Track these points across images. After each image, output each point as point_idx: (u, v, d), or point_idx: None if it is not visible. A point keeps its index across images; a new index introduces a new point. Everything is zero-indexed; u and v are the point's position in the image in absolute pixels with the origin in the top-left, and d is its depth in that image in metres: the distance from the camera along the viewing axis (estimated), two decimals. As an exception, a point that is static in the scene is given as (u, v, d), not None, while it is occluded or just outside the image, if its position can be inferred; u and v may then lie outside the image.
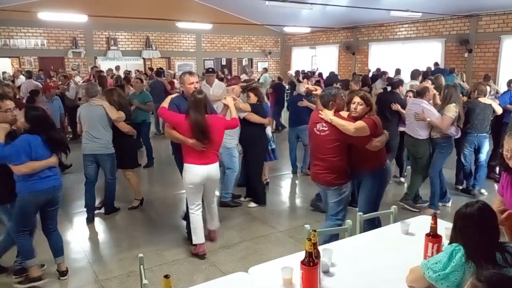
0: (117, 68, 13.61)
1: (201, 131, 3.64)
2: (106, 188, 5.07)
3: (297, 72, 12.65)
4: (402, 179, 6.34)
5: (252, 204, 5.32)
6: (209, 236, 4.25)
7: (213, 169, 3.82)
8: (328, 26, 16.01)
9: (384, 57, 14.62)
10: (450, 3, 11.12)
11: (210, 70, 6.59)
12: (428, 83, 6.04)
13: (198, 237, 3.92)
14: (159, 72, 10.85)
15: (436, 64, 11.99)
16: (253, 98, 5.24)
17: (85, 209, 4.90)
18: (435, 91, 5.48)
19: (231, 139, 5.08)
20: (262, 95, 5.44)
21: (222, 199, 5.30)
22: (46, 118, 3.39)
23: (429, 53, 13.14)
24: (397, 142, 5.79)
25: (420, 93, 5.09)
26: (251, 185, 5.45)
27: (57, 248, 3.56)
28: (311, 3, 10.33)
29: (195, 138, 3.65)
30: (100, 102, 4.83)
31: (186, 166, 3.79)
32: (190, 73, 4.15)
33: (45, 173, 3.30)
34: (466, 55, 12.28)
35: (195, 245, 3.94)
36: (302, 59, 18.35)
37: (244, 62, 18.82)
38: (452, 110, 4.70)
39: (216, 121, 3.81)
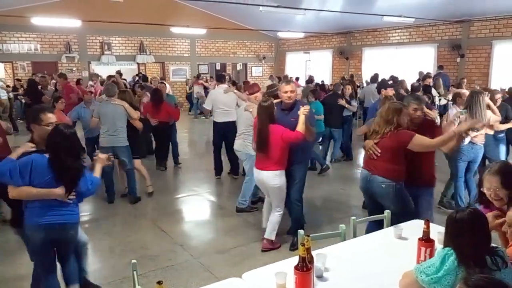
0: (119, 73, 13.51)
1: (260, 138, 3.86)
2: (128, 177, 5.69)
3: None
4: None
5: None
6: (262, 243, 4.23)
7: (266, 175, 3.92)
8: (321, 31, 16.11)
9: (377, 62, 14.73)
10: (442, 9, 11.25)
11: (219, 75, 7.18)
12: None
13: (264, 218, 4.41)
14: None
15: (440, 67, 11.93)
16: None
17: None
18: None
19: None
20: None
21: (238, 206, 5.30)
22: (66, 137, 2.76)
23: (421, 58, 13.26)
24: None
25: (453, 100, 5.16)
26: None
27: (71, 277, 3.08)
28: (305, 9, 10.40)
29: (256, 143, 3.94)
30: (120, 102, 5.46)
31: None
32: (287, 81, 4.20)
33: (52, 205, 2.75)
34: (458, 60, 12.41)
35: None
36: (296, 64, 18.43)
37: (239, 67, 18.85)
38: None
39: (277, 131, 3.83)
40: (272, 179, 3.92)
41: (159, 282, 1.74)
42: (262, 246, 4.20)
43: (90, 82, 11.75)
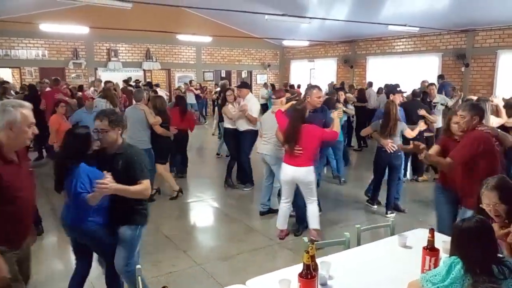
0: (129, 80, 13.56)
1: (292, 136, 4.25)
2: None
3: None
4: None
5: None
6: (311, 234, 4.46)
7: (300, 171, 4.32)
8: (326, 40, 16.18)
9: (381, 71, 14.75)
10: (447, 18, 11.28)
11: (244, 84, 7.08)
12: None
13: (280, 223, 4.65)
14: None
15: (440, 77, 11.94)
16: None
17: None
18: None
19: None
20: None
21: (261, 209, 5.48)
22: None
23: (426, 67, 13.26)
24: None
25: None
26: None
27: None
28: (310, 17, 10.45)
29: (286, 143, 4.29)
30: (142, 107, 5.72)
31: (281, 164, 4.46)
32: (319, 88, 4.80)
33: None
34: (463, 69, 12.39)
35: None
36: (300, 72, 18.50)
37: (244, 75, 18.95)
38: None
39: (311, 130, 4.29)
40: (308, 174, 4.34)
41: (164, 287, 1.75)
42: (310, 235, 4.38)
43: (92, 89, 11.84)
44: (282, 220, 4.65)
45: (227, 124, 6.64)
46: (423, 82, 10.25)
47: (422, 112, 6.29)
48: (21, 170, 2.40)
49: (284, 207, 4.62)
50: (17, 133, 2.28)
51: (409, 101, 7.00)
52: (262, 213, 5.46)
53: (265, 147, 5.26)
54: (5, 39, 13.30)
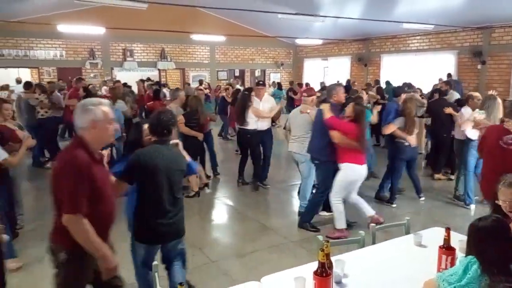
0: (147, 80, 13.55)
1: (363, 138, 4.46)
2: None
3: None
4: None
5: (324, 213, 5.37)
6: (376, 221, 4.50)
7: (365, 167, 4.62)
8: (340, 38, 16.09)
9: (396, 69, 14.61)
10: (463, 15, 11.11)
11: (261, 82, 6.82)
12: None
13: (342, 222, 4.62)
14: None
15: (449, 75, 11.91)
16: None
17: None
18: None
19: None
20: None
21: (300, 210, 5.33)
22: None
23: (441, 65, 13.08)
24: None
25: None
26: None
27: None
28: (323, 16, 10.42)
29: (360, 143, 4.39)
30: (173, 106, 6.05)
31: (348, 165, 4.46)
32: (341, 84, 5.08)
33: None
34: (479, 67, 12.20)
35: (336, 229, 4.62)
36: (314, 71, 18.44)
37: (257, 73, 18.97)
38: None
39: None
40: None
41: (181, 284, 1.79)
42: (373, 221, 4.34)
43: (105, 87, 12.04)
44: (343, 218, 4.63)
45: (247, 125, 6.33)
46: (441, 81, 10.17)
47: (448, 110, 6.38)
48: (104, 168, 2.46)
49: (342, 205, 4.63)
50: (101, 131, 2.28)
51: (435, 100, 7.16)
52: (300, 214, 5.31)
53: (293, 145, 5.33)
54: (24, 40, 13.60)
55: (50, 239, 2.29)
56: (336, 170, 4.56)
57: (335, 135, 4.43)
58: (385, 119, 5.66)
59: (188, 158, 3.12)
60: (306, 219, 4.94)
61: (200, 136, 6.20)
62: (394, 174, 5.72)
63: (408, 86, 9.12)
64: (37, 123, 7.67)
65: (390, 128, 5.44)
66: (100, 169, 2.30)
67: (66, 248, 2.21)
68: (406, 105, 5.43)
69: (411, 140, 5.45)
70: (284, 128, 5.95)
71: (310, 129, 5.04)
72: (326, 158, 4.64)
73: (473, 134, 5.30)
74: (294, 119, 5.38)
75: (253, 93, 6.35)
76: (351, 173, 4.49)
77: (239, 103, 6.51)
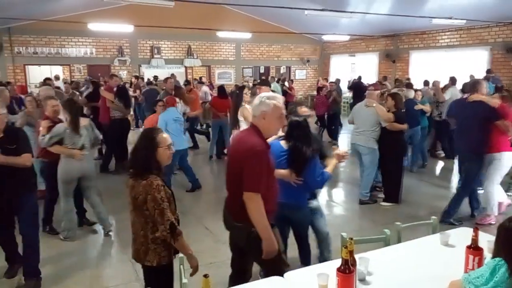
0: (173, 76, 13.56)
1: None
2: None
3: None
4: None
5: (385, 203, 5.59)
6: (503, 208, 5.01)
7: None
8: (367, 34, 15.82)
9: (425, 65, 14.25)
10: (495, 10, 10.69)
11: (264, 81, 6.82)
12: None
13: (496, 209, 4.88)
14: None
15: (489, 71, 11.39)
16: (390, 103, 5.47)
17: None
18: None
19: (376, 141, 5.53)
20: (401, 101, 5.73)
21: (361, 198, 5.67)
22: (303, 127, 3.21)
23: (473, 61, 12.66)
24: None
25: None
26: (388, 186, 5.76)
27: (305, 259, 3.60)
28: (351, 12, 10.26)
29: None
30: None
31: (505, 154, 4.61)
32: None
33: (282, 185, 3.08)
34: (513, 63, 11.75)
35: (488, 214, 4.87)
36: (341, 67, 18.23)
37: (282, 70, 18.91)
38: None
39: None
40: None
41: (206, 275, 1.83)
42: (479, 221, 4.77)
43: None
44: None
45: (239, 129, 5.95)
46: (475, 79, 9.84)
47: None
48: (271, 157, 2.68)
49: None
50: (269, 122, 2.51)
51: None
52: (362, 202, 5.67)
53: (358, 137, 5.58)
54: (56, 38, 14.07)
55: (234, 219, 2.56)
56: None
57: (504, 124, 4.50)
58: None
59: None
60: (452, 214, 4.91)
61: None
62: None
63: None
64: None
65: None
66: (270, 158, 2.56)
67: (252, 226, 2.44)
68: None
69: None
70: (348, 122, 6.03)
71: (376, 123, 5.33)
72: (487, 150, 4.68)
73: None
74: (358, 114, 5.61)
75: (246, 92, 5.81)
76: (510, 162, 4.67)
77: (233, 104, 6.05)
